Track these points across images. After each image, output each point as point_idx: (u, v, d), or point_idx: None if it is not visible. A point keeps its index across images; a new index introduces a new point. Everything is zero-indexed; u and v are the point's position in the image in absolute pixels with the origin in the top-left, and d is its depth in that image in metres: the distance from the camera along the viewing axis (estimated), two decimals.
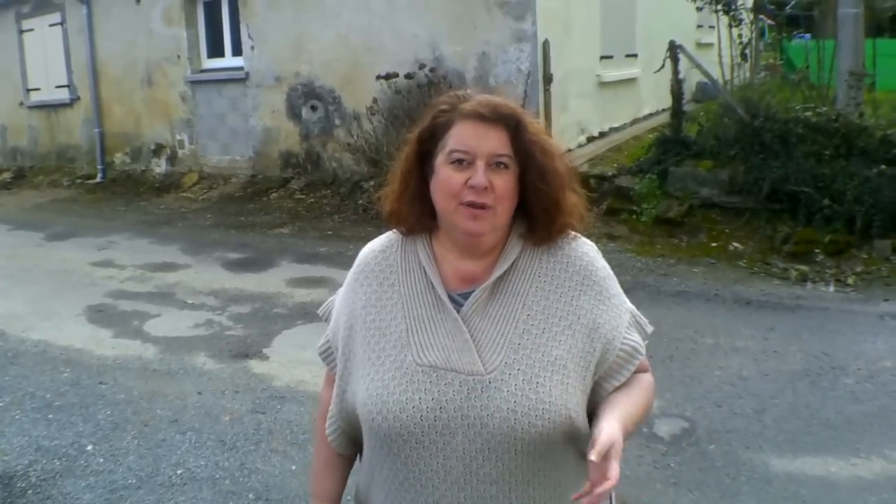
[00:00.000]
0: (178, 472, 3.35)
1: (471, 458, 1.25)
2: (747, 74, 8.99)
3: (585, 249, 1.38)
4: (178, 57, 10.82)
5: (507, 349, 1.28)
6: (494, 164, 1.27)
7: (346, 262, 1.51)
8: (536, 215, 1.32)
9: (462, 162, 1.27)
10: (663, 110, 9.36)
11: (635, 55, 10.42)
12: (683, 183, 7.00)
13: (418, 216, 1.35)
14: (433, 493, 1.28)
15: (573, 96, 8.70)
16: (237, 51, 10.39)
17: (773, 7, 11.65)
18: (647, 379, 1.39)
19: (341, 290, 1.47)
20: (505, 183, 1.27)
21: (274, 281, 6.30)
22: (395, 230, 1.42)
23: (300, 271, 6.58)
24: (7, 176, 13.11)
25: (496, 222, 1.29)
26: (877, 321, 4.83)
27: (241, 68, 10.23)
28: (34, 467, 3.44)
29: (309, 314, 5.23)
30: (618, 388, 1.34)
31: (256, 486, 3.22)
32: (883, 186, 5.99)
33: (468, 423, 1.25)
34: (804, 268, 5.82)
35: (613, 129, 9.73)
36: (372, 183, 8.36)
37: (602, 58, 9.56)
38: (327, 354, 1.48)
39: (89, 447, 3.60)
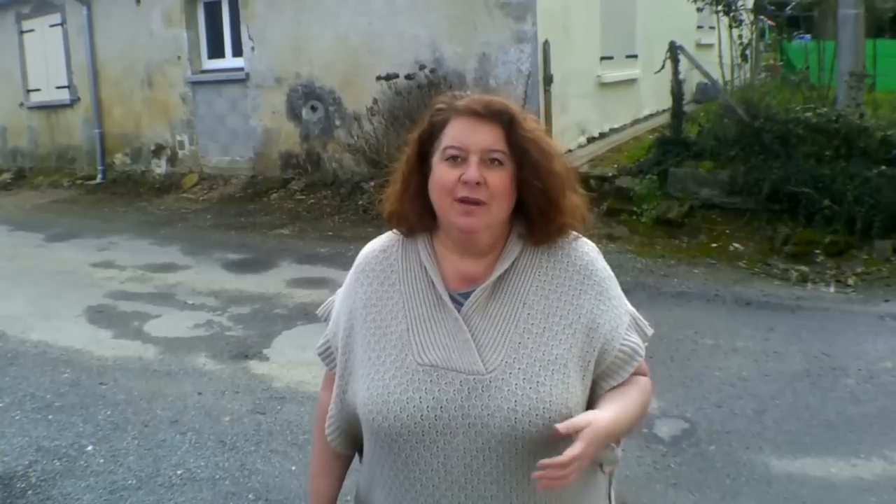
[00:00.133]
0: (178, 472, 3.36)
1: (471, 457, 1.25)
2: (747, 75, 9.01)
3: (586, 250, 1.38)
4: (179, 58, 10.81)
5: (507, 348, 1.28)
6: (488, 161, 1.26)
7: (347, 263, 1.51)
8: (534, 215, 1.31)
9: (456, 158, 1.27)
10: (663, 111, 9.37)
11: (635, 56, 10.42)
12: (684, 184, 7.00)
13: (419, 216, 1.35)
14: (434, 493, 1.28)
15: (573, 97, 8.70)
16: (237, 52, 10.39)
17: (773, 8, 11.64)
18: (644, 382, 1.39)
19: (341, 290, 1.46)
20: (499, 179, 1.26)
21: (274, 282, 6.30)
22: (395, 230, 1.42)
23: (300, 272, 6.58)
24: (7, 177, 13.10)
25: (491, 219, 1.28)
26: (877, 322, 4.83)
27: (241, 69, 10.23)
28: (34, 468, 3.44)
29: (309, 315, 5.23)
30: (615, 388, 1.34)
31: (256, 486, 3.23)
32: (883, 187, 5.99)
33: (469, 423, 1.25)
34: (804, 268, 5.81)
35: (613, 130, 9.73)
36: (372, 183, 8.37)
37: (602, 59, 9.57)
38: (327, 354, 1.48)
39: (89, 448, 3.61)
